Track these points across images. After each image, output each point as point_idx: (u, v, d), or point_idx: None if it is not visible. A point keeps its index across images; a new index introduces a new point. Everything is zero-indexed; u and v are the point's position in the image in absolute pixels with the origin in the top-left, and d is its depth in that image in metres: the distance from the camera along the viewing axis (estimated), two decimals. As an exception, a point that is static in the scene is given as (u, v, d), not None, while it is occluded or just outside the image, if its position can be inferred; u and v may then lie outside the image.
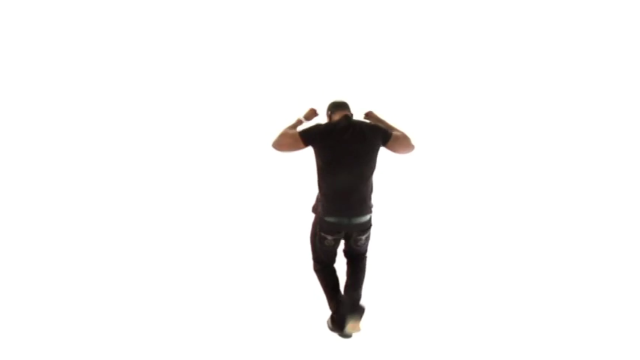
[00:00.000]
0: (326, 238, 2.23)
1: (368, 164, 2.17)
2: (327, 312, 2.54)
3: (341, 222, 2.16)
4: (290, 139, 2.15)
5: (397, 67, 5.18)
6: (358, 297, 2.34)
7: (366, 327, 2.38)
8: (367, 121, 2.35)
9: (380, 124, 2.28)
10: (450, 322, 2.42)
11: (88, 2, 4.62)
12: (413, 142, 2.25)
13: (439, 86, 5.25)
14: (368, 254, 2.44)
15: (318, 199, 2.26)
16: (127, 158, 5.13)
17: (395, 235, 4.23)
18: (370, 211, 2.25)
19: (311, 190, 2.37)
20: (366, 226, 2.25)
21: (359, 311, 2.26)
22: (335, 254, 2.36)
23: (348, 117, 2.22)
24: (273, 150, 2.16)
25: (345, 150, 2.09)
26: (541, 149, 5.13)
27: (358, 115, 2.42)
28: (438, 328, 2.37)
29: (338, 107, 2.29)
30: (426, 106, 5.24)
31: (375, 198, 2.28)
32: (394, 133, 2.22)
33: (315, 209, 2.29)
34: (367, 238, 2.31)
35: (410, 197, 5.04)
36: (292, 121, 2.33)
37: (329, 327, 2.39)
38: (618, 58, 4.71)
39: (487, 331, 2.32)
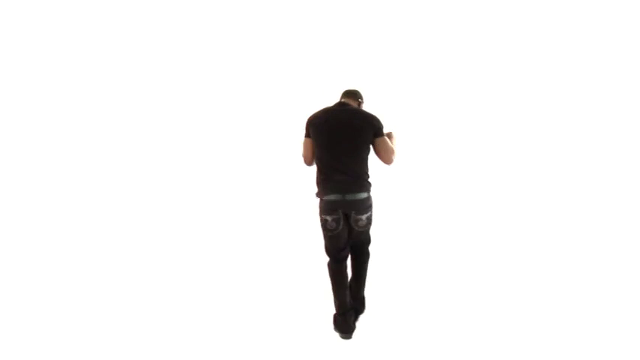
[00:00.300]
0: (327, 220, 2.28)
1: (358, 145, 2.25)
2: (324, 313, 2.55)
3: (336, 199, 2.23)
4: (304, 146, 2.37)
5: (407, 68, 5.17)
6: (360, 298, 2.48)
7: (365, 326, 2.39)
8: (368, 111, 2.43)
9: (377, 119, 2.36)
10: (449, 322, 2.42)
11: (90, 3, 4.61)
12: (394, 158, 2.36)
13: (445, 86, 5.23)
14: (371, 251, 2.50)
15: (316, 183, 2.35)
16: (134, 160, 5.13)
17: (396, 234, 4.25)
18: (366, 190, 2.30)
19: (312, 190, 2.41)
20: (364, 205, 2.29)
21: (359, 313, 2.44)
22: (342, 244, 2.36)
23: (343, 103, 2.34)
24: (306, 166, 2.42)
25: (335, 130, 2.23)
26: (541, 151, 5.11)
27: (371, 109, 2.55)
28: (438, 327, 2.36)
29: (344, 95, 2.46)
30: (432, 106, 5.22)
31: (377, 198, 2.30)
32: (385, 137, 2.32)
33: (317, 193, 2.35)
34: (368, 220, 2.34)
35: (411, 197, 5.03)
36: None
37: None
38: (618, 58, 4.69)
39: (486, 330, 2.32)
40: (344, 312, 2.31)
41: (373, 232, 2.62)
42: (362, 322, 2.44)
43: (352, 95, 2.45)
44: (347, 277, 2.38)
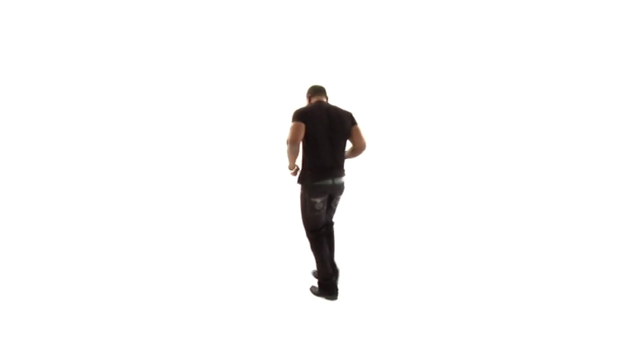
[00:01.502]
0: (315, 202, 2.65)
1: (344, 137, 2.68)
2: (318, 310, 2.56)
3: (327, 184, 2.62)
4: (296, 129, 2.57)
5: (386, 67, 5.16)
6: (334, 263, 2.78)
7: (364, 324, 2.42)
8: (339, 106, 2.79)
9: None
10: (448, 320, 2.40)
11: (89, 3, 4.47)
12: (365, 142, 2.79)
13: (426, 86, 5.24)
14: (366, 247, 3.05)
15: (304, 171, 2.67)
16: (132, 160, 5.03)
17: (392, 233, 4.24)
18: (345, 174, 2.76)
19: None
20: (344, 187, 2.77)
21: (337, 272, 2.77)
22: (324, 220, 2.74)
23: (324, 100, 2.73)
24: (289, 145, 2.58)
25: (327, 125, 2.61)
26: (536, 149, 5.17)
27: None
28: (437, 324, 2.35)
29: (317, 92, 2.79)
30: (414, 105, 5.24)
31: (374, 196, 2.40)
32: (357, 125, 2.74)
33: (301, 180, 2.66)
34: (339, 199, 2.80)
35: (405, 196, 5.09)
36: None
37: (313, 292, 2.75)
38: (617, 58, 4.72)
39: (483, 329, 2.31)
40: (330, 278, 2.68)
41: (372, 230, 2.72)
42: (357, 317, 2.47)
43: (324, 92, 2.80)
44: (326, 245, 2.74)
